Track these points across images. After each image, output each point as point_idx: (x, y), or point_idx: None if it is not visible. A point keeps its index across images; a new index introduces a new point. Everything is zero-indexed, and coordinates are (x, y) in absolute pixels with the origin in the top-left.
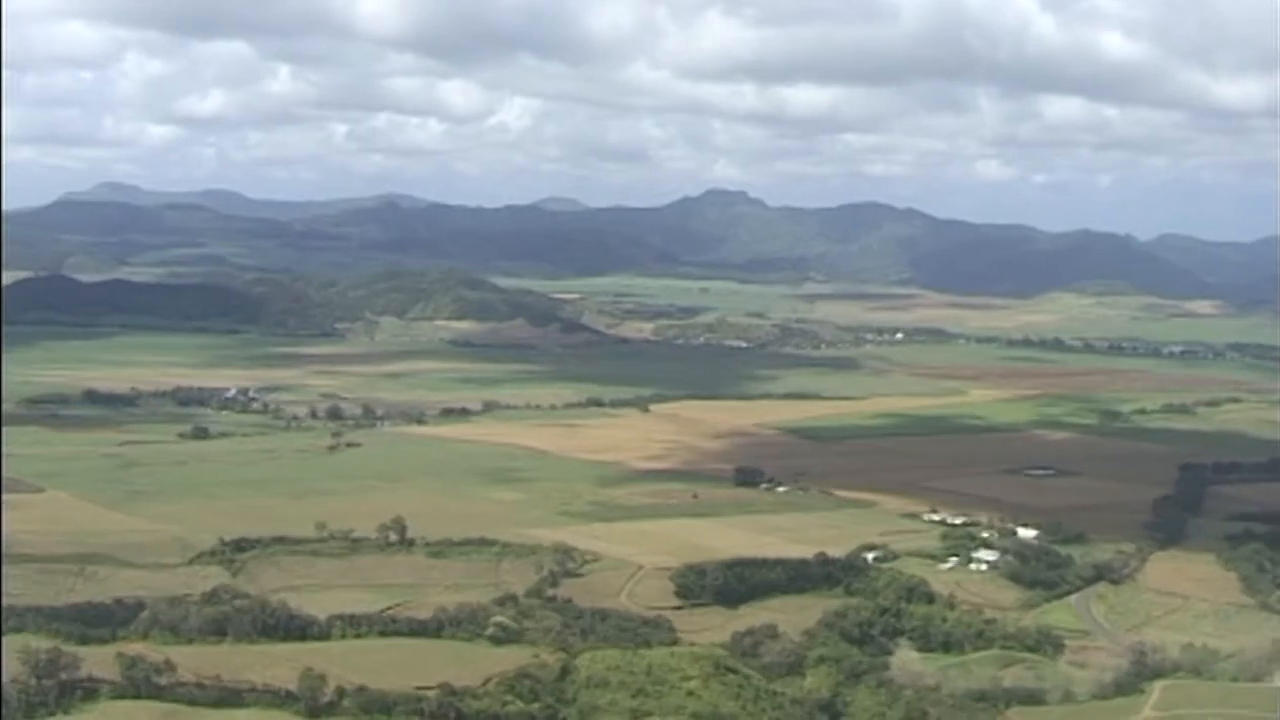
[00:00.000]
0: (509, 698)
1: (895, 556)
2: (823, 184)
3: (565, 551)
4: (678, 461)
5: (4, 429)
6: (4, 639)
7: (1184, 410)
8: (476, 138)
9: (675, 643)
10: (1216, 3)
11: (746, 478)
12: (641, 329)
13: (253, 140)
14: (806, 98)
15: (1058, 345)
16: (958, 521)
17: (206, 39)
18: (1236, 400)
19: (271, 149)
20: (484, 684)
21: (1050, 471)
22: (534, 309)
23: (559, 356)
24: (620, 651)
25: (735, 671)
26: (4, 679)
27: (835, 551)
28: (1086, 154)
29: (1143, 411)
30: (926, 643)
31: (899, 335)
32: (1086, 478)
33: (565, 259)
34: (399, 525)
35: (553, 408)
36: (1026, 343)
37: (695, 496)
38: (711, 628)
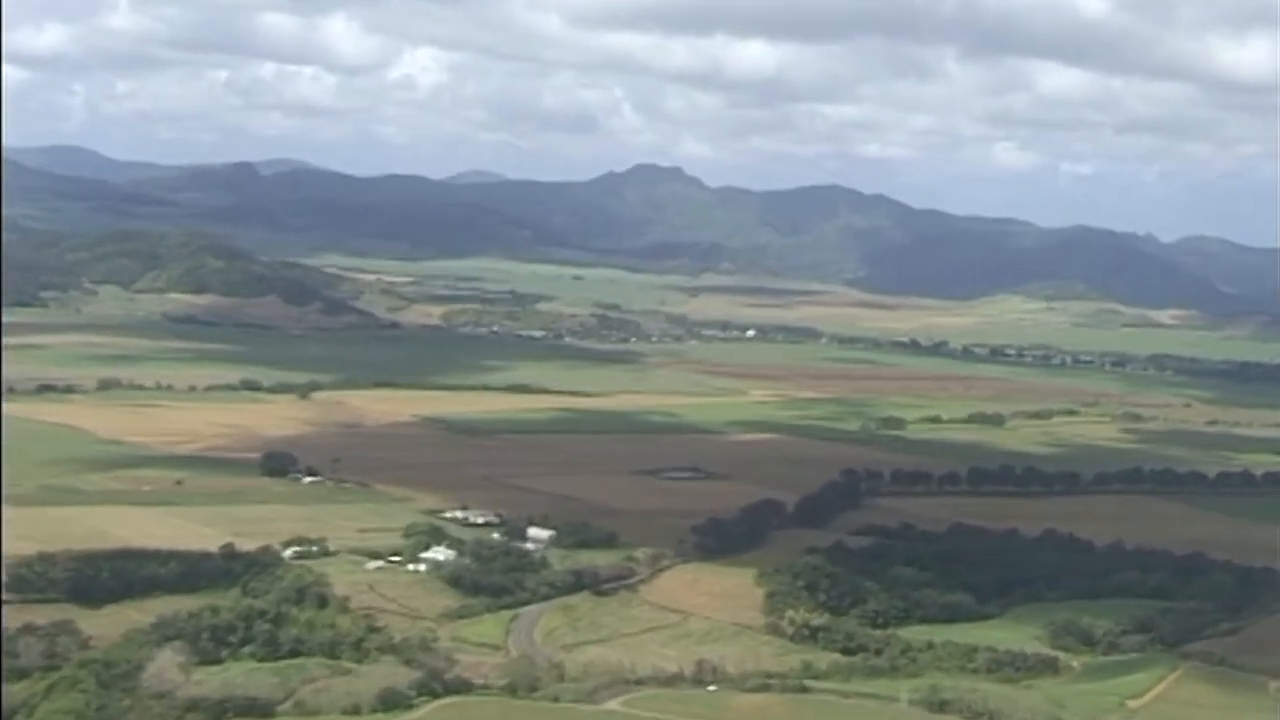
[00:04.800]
0: None
1: (328, 553)
2: (813, 166)
3: None
4: (218, 448)
5: None
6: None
7: (990, 421)
8: (379, 94)
9: None
10: None
11: (276, 467)
12: (430, 314)
13: (121, 90)
14: (741, 55)
15: (933, 350)
16: (479, 520)
17: None
18: (1072, 413)
19: (147, 100)
20: None
21: (696, 474)
22: (296, 285)
23: (288, 338)
24: None
25: None
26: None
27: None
28: (1110, 137)
29: (935, 420)
30: (274, 650)
31: (750, 333)
32: (732, 481)
33: (433, 238)
34: None
35: (191, 389)
36: (898, 346)
37: (179, 484)
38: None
